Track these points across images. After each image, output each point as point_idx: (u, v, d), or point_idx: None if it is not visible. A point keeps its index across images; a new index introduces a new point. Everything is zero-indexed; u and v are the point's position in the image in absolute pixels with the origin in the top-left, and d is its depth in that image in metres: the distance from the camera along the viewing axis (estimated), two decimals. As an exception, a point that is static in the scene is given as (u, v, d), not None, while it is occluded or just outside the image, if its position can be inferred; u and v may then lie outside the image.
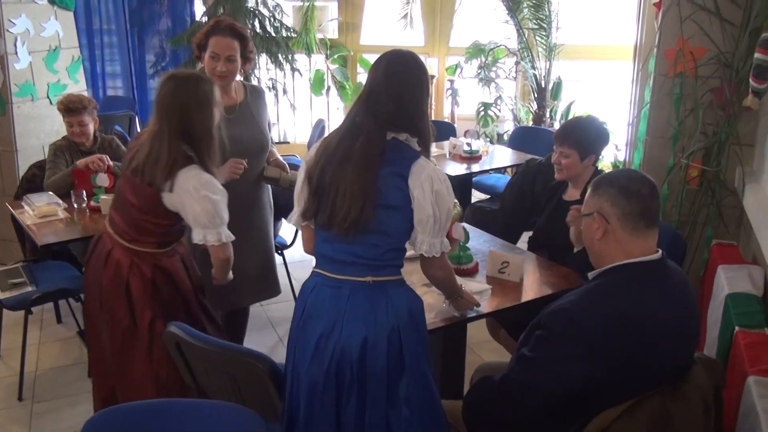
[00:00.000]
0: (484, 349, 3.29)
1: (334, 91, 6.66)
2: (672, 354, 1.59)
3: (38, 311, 3.70)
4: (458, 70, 6.23)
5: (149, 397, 2.12)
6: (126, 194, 2.24)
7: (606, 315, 1.55)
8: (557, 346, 1.57)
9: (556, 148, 2.65)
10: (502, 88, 5.94)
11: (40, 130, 4.35)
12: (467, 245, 2.52)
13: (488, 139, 5.37)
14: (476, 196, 4.72)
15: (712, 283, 2.74)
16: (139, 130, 5.07)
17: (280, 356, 2.25)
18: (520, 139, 5.00)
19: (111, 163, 3.32)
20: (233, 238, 2.22)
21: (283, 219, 3.66)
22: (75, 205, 3.21)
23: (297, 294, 3.85)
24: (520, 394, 1.62)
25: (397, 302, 1.79)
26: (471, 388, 1.86)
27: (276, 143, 3.06)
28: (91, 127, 3.49)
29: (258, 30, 5.31)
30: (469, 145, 4.30)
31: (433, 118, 5.84)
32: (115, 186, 2.86)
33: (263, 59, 5.49)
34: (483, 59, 5.88)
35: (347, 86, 6.58)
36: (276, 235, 3.52)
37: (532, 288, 2.38)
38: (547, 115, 5.72)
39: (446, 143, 4.41)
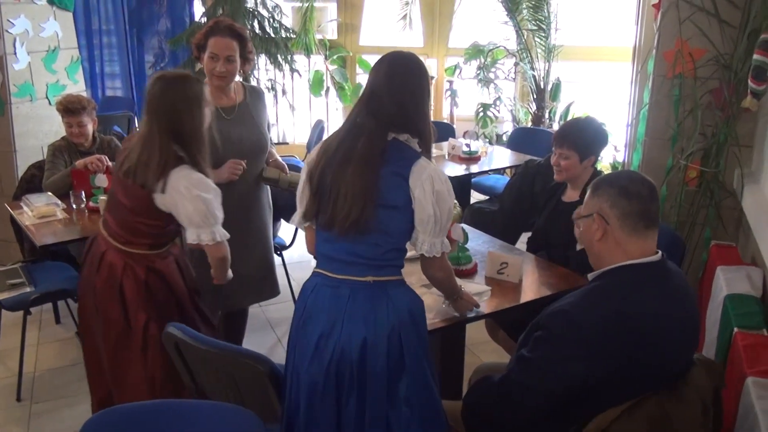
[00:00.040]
0: (483, 350, 3.29)
1: (333, 91, 6.66)
2: (671, 355, 1.59)
3: (37, 312, 3.69)
4: (457, 71, 6.23)
5: (144, 399, 2.11)
6: (118, 196, 2.24)
7: (605, 316, 1.55)
8: (557, 347, 1.57)
9: (555, 149, 2.65)
10: (501, 89, 5.95)
11: (38, 130, 4.35)
12: (466, 246, 2.52)
13: (487, 140, 5.37)
14: (475, 197, 4.72)
15: (710, 284, 2.74)
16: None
17: (279, 357, 2.25)
18: (519, 140, 5.00)
19: (110, 163, 3.32)
20: (228, 236, 2.21)
21: (282, 220, 3.67)
22: (74, 206, 3.21)
23: (296, 295, 3.84)
24: (520, 394, 1.62)
25: (398, 302, 1.79)
26: (470, 389, 1.86)
27: (275, 144, 3.06)
28: (90, 128, 3.49)
29: (257, 31, 5.31)
30: (468, 145, 4.31)
31: (432, 119, 5.83)
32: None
33: (262, 60, 5.49)
34: (482, 60, 5.89)
35: (346, 87, 6.58)
36: (275, 235, 3.52)
37: (531, 289, 2.38)
38: (546, 116, 5.72)
39: (445, 144, 4.41)
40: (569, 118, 5.44)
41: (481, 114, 5.85)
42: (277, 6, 5.49)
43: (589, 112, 5.17)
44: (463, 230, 2.46)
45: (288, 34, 5.56)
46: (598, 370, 1.54)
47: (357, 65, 6.67)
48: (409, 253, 1.89)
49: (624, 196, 1.63)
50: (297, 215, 1.91)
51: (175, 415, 1.54)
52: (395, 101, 1.76)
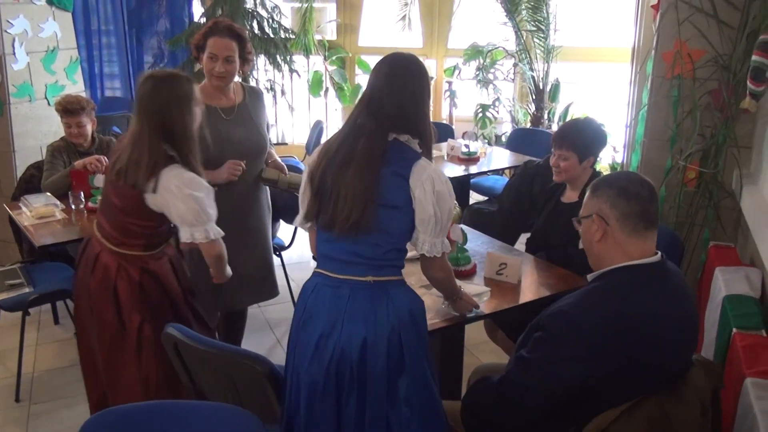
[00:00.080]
0: (482, 351, 3.29)
1: (332, 92, 6.66)
2: (671, 356, 1.59)
3: (35, 312, 3.68)
4: (456, 72, 6.23)
5: (138, 401, 2.10)
6: (111, 197, 2.24)
7: (605, 317, 1.55)
8: (556, 348, 1.58)
9: (554, 150, 2.65)
10: (500, 89, 5.95)
11: (37, 130, 4.34)
12: (465, 247, 2.52)
13: (486, 141, 5.38)
14: (474, 197, 4.72)
15: (709, 285, 2.74)
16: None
17: (277, 358, 2.26)
18: (518, 140, 5.01)
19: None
20: (222, 233, 2.20)
21: (281, 220, 3.67)
22: (73, 206, 3.20)
23: (295, 295, 3.84)
24: (519, 395, 1.62)
25: (398, 302, 1.79)
26: (469, 390, 1.87)
27: (274, 144, 3.06)
28: (89, 128, 3.49)
29: (256, 31, 5.31)
30: (467, 146, 4.31)
31: (431, 120, 5.82)
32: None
33: (261, 60, 5.49)
34: (481, 61, 5.89)
35: (345, 88, 6.58)
36: (274, 236, 3.52)
37: (530, 289, 2.38)
38: (545, 116, 5.73)
39: (444, 145, 4.41)
40: (568, 118, 5.45)
41: (480, 115, 5.86)
42: (276, 6, 5.48)
43: (588, 113, 5.18)
44: (462, 231, 2.46)
45: (287, 35, 5.56)
46: (597, 370, 1.54)
47: (356, 66, 6.67)
48: (410, 254, 1.90)
49: (623, 197, 1.63)
50: (299, 216, 1.91)
51: (173, 416, 1.54)
52: (396, 102, 1.77)
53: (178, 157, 2.14)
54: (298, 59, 5.95)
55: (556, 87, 5.74)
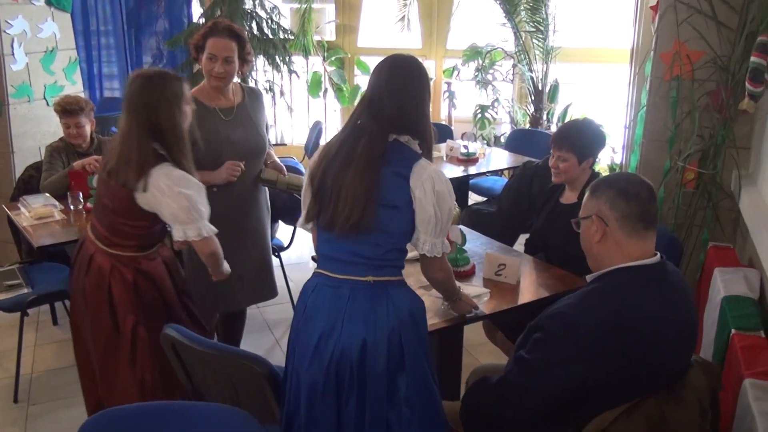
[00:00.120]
0: (481, 352, 3.29)
1: (331, 93, 6.66)
2: (670, 357, 1.59)
3: (34, 313, 3.68)
4: (455, 73, 6.23)
5: (134, 402, 2.10)
6: (103, 198, 2.23)
7: (604, 318, 1.55)
8: (555, 349, 1.58)
9: (553, 152, 2.66)
10: (499, 90, 5.95)
11: (36, 131, 4.34)
12: (464, 247, 2.52)
13: (485, 142, 5.38)
14: (473, 198, 4.72)
15: (708, 286, 2.74)
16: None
17: (276, 358, 2.26)
18: (517, 141, 5.01)
19: (108, 164, 3.31)
20: (215, 230, 2.19)
21: (280, 221, 3.67)
22: (71, 207, 3.20)
23: (294, 296, 3.85)
24: (518, 396, 1.62)
25: (398, 302, 1.80)
26: (468, 390, 1.87)
27: (273, 145, 3.06)
28: (88, 129, 3.49)
29: (255, 32, 5.31)
30: (466, 147, 4.31)
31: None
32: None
33: (260, 61, 5.49)
34: (480, 62, 5.89)
35: (344, 88, 6.58)
36: (273, 237, 3.52)
37: (528, 290, 2.38)
38: (544, 117, 5.73)
39: (443, 145, 4.41)
40: (567, 119, 5.45)
41: (479, 115, 5.86)
42: (275, 7, 5.48)
43: (587, 114, 5.19)
44: (461, 232, 2.47)
45: (286, 36, 5.56)
46: (596, 371, 1.54)
47: (355, 66, 6.67)
48: (410, 254, 1.90)
49: (623, 198, 1.63)
50: (301, 217, 1.93)
51: (172, 417, 1.54)
52: (396, 103, 1.78)
53: (168, 156, 2.13)
54: (297, 60, 5.95)
55: (555, 88, 5.74)
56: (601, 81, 5.86)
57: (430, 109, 6.61)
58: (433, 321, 2.06)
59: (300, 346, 1.83)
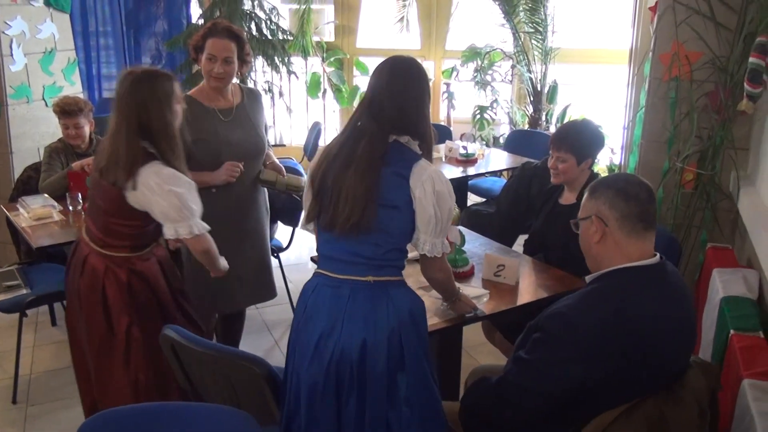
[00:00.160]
0: (480, 352, 3.29)
1: (330, 93, 6.66)
2: (670, 357, 1.59)
3: (33, 314, 3.68)
4: (454, 74, 6.23)
5: (128, 403, 2.09)
6: (96, 199, 2.23)
7: (604, 318, 1.55)
8: (554, 349, 1.58)
9: (552, 153, 2.66)
10: (498, 91, 5.95)
11: (35, 132, 4.34)
12: (463, 248, 2.52)
13: (484, 143, 5.38)
14: (472, 199, 4.72)
15: (707, 287, 2.75)
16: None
17: (276, 359, 2.25)
18: (516, 142, 5.01)
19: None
20: (208, 228, 2.18)
21: (279, 222, 3.67)
22: (70, 208, 3.20)
23: (293, 297, 3.85)
24: (517, 396, 1.62)
25: (398, 303, 1.80)
26: (467, 390, 1.87)
27: (272, 146, 3.06)
28: (87, 130, 3.49)
29: (254, 33, 5.31)
30: (465, 148, 4.31)
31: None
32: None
33: (259, 62, 5.49)
34: (479, 62, 5.89)
35: (343, 89, 6.59)
36: (272, 237, 3.52)
37: (527, 291, 2.38)
38: (543, 118, 5.73)
39: (442, 146, 4.42)
40: (566, 120, 5.45)
41: (478, 116, 5.86)
42: (274, 8, 5.49)
43: (586, 115, 5.19)
44: (460, 232, 2.47)
45: (285, 36, 5.56)
46: (596, 372, 1.54)
47: (354, 67, 6.67)
48: (410, 255, 1.90)
49: (622, 198, 1.63)
50: (302, 219, 1.94)
51: (170, 418, 1.54)
52: (396, 105, 1.79)
53: (158, 155, 2.12)
54: (296, 61, 5.95)
55: (553, 89, 5.74)
56: (600, 82, 5.86)
57: (430, 110, 6.62)
58: (432, 321, 2.06)
59: (300, 346, 1.84)
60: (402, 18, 6.15)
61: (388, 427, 1.77)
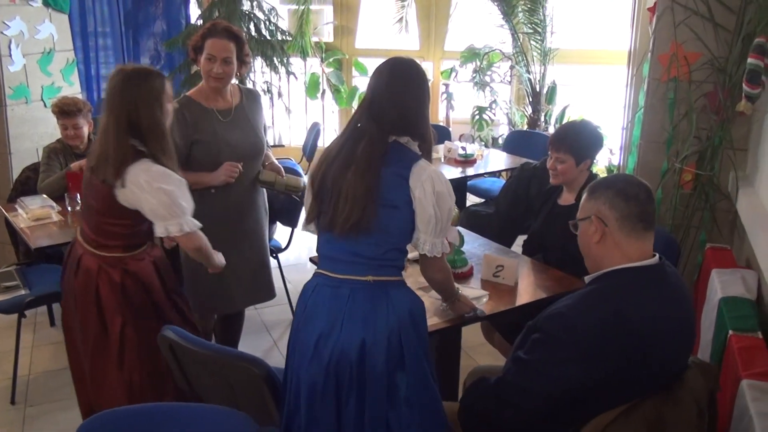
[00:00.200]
0: (479, 353, 3.29)
1: (329, 94, 6.66)
2: (670, 357, 1.60)
3: (31, 314, 3.68)
4: (453, 74, 6.24)
5: (122, 404, 2.07)
6: (89, 198, 2.22)
7: (603, 318, 1.55)
8: (554, 350, 1.58)
9: (551, 153, 2.66)
10: (497, 92, 5.96)
11: (34, 132, 4.34)
12: (462, 249, 2.52)
13: (483, 143, 5.38)
14: (471, 199, 4.72)
15: (705, 287, 2.75)
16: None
17: (274, 360, 2.25)
18: (514, 143, 5.01)
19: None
20: (199, 225, 2.17)
21: (278, 222, 3.67)
22: (69, 208, 3.19)
23: (292, 297, 3.85)
24: (516, 396, 1.62)
25: (398, 303, 1.80)
26: (466, 391, 1.87)
27: (271, 146, 3.06)
28: (86, 130, 3.49)
29: (253, 33, 5.31)
30: (464, 148, 4.31)
31: (428, 122, 5.82)
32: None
33: (258, 62, 5.49)
34: (478, 63, 5.90)
35: (342, 90, 6.59)
36: (271, 238, 3.52)
37: (526, 291, 2.38)
38: (542, 119, 5.74)
39: (441, 147, 4.41)
40: (565, 121, 5.46)
41: (477, 117, 5.86)
42: (273, 9, 5.49)
43: (585, 116, 5.19)
44: (459, 233, 2.47)
45: (284, 37, 5.56)
46: (595, 372, 1.54)
47: (353, 68, 6.68)
48: (410, 255, 1.90)
49: (622, 198, 1.63)
50: (303, 220, 1.94)
51: (169, 419, 1.54)
52: (396, 107, 1.80)
53: (148, 153, 2.11)
54: (295, 61, 5.95)
55: (552, 89, 5.75)
56: (599, 82, 5.87)
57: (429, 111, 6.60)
58: (431, 321, 2.06)
59: (300, 346, 1.84)
60: (401, 19, 6.15)
61: (387, 427, 1.77)
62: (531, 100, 5.71)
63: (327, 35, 6.71)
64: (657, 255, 1.66)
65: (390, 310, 1.78)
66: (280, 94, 5.99)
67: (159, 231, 2.12)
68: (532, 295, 2.36)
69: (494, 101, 5.92)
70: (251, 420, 1.53)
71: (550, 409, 1.60)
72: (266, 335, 3.65)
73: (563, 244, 2.40)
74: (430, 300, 2.15)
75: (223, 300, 2.78)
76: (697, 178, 3.14)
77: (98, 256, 2.22)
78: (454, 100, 6.24)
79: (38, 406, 3.02)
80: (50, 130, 4.23)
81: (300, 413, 1.82)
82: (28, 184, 3.56)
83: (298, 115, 6.62)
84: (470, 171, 4.21)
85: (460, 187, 4.35)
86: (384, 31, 6.42)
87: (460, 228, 2.69)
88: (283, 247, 3.76)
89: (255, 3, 5.38)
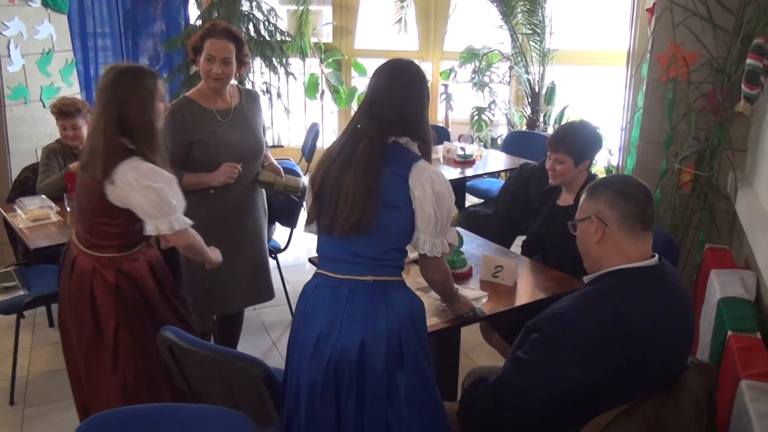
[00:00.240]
0: (478, 353, 3.29)
1: (328, 94, 6.66)
2: (669, 357, 1.60)
3: (30, 315, 3.67)
4: (452, 75, 6.24)
5: (117, 405, 2.07)
6: (82, 198, 2.22)
7: (603, 319, 1.55)
8: (553, 350, 1.58)
9: (550, 154, 2.66)
10: (496, 92, 5.96)
11: (33, 133, 4.33)
12: (461, 249, 2.52)
13: (482, 144, 5.39)
14: (470, 200, 4.73)
15: (704, 288, 2.75)
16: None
17: (274, 360, 2.25)
18: (513, 143, 5.01)
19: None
20: (190, 222, 2.16)
21: (277, 223, 3.66)
22: (68, 209, 3.20)
23: (291, 298, 3.84)
24: (516, 396, 1.62)
25: (398, 303, 1.81)
26: (465, 391, 1.87)
27: (270, 147, 3.06)
28: (85, 131, 3.48)
29: (252, 34, 5.31)
30: (462, 149, 4.31)
31: (427, 123, 5.82)
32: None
33: (257, 63, 5.49)
34: (477, 64, 5.90)
35: (341, 90, 6.59)
36: (270, 239, 3.52)
37: (525, 292, 2.38)
38: (541, 119, 5.74)
39: (440, 147, 4.42)
40: (564, 121, 5.46)
41: (476, 117, 5.87)
42: (272, 9, 5.49)
43: (584, 116, 5.19)
44: (458, 234, 2.47)
45: (283, 38, 5.56)
46: (595, 372, 1.54)
47: (352, 68, 6.68)
48: (410, 255, 1.90)
49: (622, 198, 1.64)
50: (305, 221, 1.94)
51: (168, 419, 1.54)
52: (396, 108, 1.80)
53: (137, 151, 2.10)
54: (294, 62, 5.95)
55: (551, 90, 5.75)
56: (598, 83, 5.87)
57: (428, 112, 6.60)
58: (431, 322, 2.07)
59: (300, 346, 1.84)
60: (400, 19, 6.15)
61: (387, 427, 1.77)
62: (530, 100, 5.72)
63: (326, 36, 6.71)
64: (656, 255, 1.66)
65: (390, 310, 1.78)
66: (279, 95, 5.99)
67: (149, 229, 2.11)
68: (531, 295, 2.36)
69: (493, 102, 5.93)
70: (250, 421, 1.53)
71: (550, 409, 1.60)
72: (265, 336, 3.65)
73: (562, 244, 2.40)
74: (430, 300, 2.15)
75: (222, 300, 2.78)
76: (696, 179, 3.15)
77: (92, 256, 2.21)
78: (453, 101, 6.24)
79: (37, 406, 3.02)
80: (49, 131, 4.23)
81: (300, 413, 1.82)
82: (27, 184, 3.55)
83: (297, 115, 6.62)
84: (469, 171, 4.21)
85: (459, 187, 4.35)
86: (383, 31, 6.41)
87: (459, 228, 2.69)
88: (282, 247, 3.76)
89: (254, 3, 5.38)
